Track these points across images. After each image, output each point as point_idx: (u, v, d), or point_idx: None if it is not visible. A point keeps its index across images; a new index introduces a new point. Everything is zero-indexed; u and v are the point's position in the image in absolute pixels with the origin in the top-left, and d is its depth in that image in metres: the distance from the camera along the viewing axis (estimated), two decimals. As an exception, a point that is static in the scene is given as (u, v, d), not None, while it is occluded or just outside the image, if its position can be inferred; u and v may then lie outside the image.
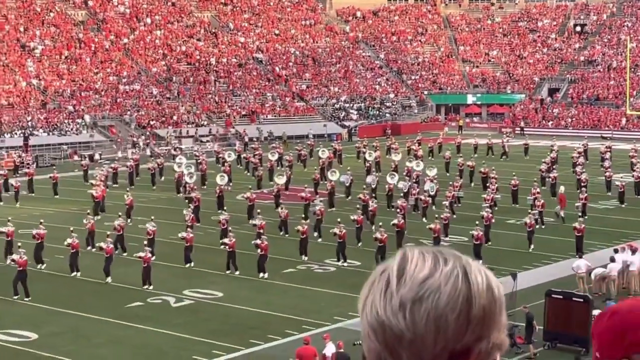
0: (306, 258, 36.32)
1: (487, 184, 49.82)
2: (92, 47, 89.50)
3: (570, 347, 25.58)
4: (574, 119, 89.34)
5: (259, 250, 33.69)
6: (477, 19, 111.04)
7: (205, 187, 52.86)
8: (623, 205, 48.04)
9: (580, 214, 42.15)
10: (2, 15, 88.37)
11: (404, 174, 52.92)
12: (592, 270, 31.59)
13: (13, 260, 32.17)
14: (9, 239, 35.85)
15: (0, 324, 28.32)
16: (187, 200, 46.59)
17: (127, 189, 50.24)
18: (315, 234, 39.64)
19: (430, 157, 64.29)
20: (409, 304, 1.83)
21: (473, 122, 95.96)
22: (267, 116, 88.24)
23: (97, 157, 68.05)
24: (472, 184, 53.57)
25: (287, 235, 39.87)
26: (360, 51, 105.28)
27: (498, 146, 69.25)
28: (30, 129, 74.39)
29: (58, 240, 35.16)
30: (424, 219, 42.85)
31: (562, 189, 46.22)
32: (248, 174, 59.07)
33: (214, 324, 28.33)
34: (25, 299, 30.74)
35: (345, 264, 35.50)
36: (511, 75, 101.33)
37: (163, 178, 56.88)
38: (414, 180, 50.96)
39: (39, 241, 35.04)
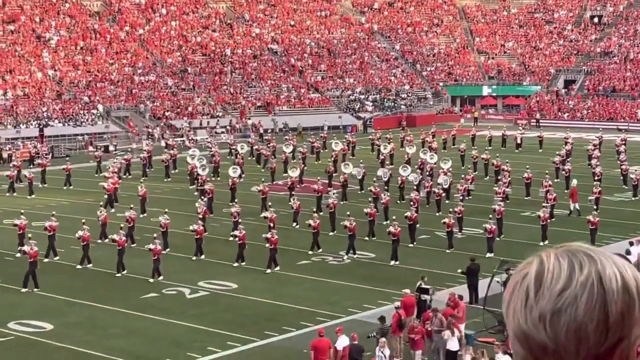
0: (320, 250, 36.26)
1: (499, 177, 49.71)
2: (107, 38, 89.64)
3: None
4: (589, 110, 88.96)
5: (268, 244, 33.71)
6: (493, 10, 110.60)
7: (217, 178, 52.92)
8: (638, 198, 47.85)
9: (594, 206, 42.02)
10: (18, 5, 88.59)
11: (418, 166, 52.76)
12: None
13: (24, 251, 32.23)
14: (21, 231, 35.88)
15: (16, 315, 28.46)
16: (200, 192, 46.61)
17: (141, 180, 50.28)
18: (324, 232, 39.46)
19: (443, 150, 64.07)
20: (548, 315, 1.88)
21: (488, 114, 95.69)
22: (281, 108, 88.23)
23: (111, 148, 68.16)
24: (487, 177, 53.37)
25: (297, 226, 39.77)
26: (375, 42, 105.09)
27: (513, 138, 69.07)
28: (46, 120, 74.60)
29: (72, 232, 35.25)
30: (437, 212, 42.76)
31: (574, 182, 46.04)
32: (260, 167, 58.88)
33: (228, 316, 28.38)
34: (35, 290, 30.80)
35: (354, 256, 35.37)
36: (527, 66, 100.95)
37: (177, 170, 56.96)
38: (428, 173, 50.84)
39: (51, 233, 35.11)
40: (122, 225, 35.73)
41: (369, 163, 54.71)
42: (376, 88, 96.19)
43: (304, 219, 38.76)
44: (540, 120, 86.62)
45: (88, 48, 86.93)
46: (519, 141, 68.07)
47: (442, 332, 23.35)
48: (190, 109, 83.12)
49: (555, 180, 50.08)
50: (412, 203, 40.52)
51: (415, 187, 45.83)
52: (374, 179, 47.86)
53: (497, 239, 36.78)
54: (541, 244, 37.40)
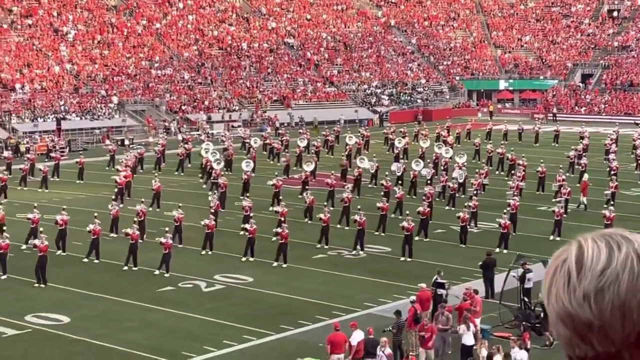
0: (326, 246, 36.13)
1: (513, 171, 49.60)
2: (124, 32, 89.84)
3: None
4: (607, 105, 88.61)
5: (278, 239, 33.62)
6: (509, 4, 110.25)
7: (229, 172, 53.03)
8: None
9: (610, 201, 41.87)
10: (36, 0, 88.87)
11: (433, 160, 52.63)
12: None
13: (34, 245, 32.30)
14: (34, 225, 35.96)
15: (33, 308, 28.60)
16: (213, 186, 46.66)
17: (155, 174, 50.31)
18: (339, 226, 39.40)
19: (457, 144, 63.85)
20: (592, 294, 1.95)
21: (505, 108, 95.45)
22: (297, 102, 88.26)
23: (126, 142, 68.26)
24: (504, 172, 53.22)
25: (310, 222, 39.73)
26: (392, 36, 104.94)
27: (528, 132, 68.92)
28: (63, 113, 74.86)
29: (85, 226, 35.22)
30: (451, 207, 42.66)
31: (585, 176, 45.91)
32: (271, 161, 58.87)
33: (244, 309, 28.42)
34: (42, 285, 30.85)
35: (361, 253, 35.29)
36: (544, 60, 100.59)
37: (190, 165, 57.07)
38: (443, 168, 50.76)
39: (62, 227, 35.16)
40: (134, 219, 35.80)
41: (383, 157, 54.61)
42: (392, 82, 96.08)
43: (317, 214, 38.74)
44: (557, 115, 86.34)
45: (105, 42, 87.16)
46: (538, 135, 67.88)
47: (448, 330, 23.28)
48: (206, 102, 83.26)
49: (570, 175, 49.96)
50: (424, 198, 40.44)
51: (428, 182, 45.74)
52: (386, 173, 47.78)
53: (512, 234, 36.65)
54: (550, 237, 37.27)
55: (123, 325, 27.05)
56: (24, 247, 34.86)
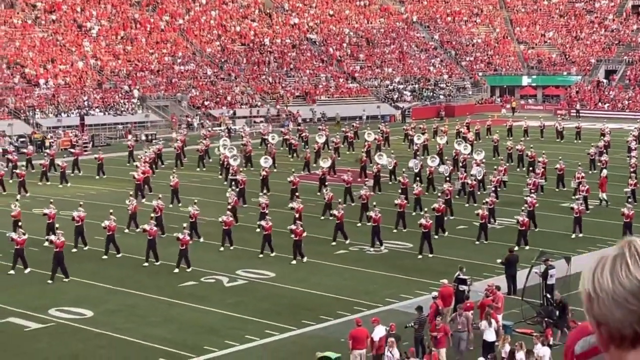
0: (346, 241, 36.09)
1: (531, 168, 49.39)
2: (147, 28, 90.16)
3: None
4: (631, 101, 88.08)
5: (292, 236, 33.62)
6: (533, 0, 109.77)
7: (251, 167, 53.15)
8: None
9: (629, 199, 41.63)
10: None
11: (452, 157, 52.49)
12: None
13: (50, 241, 32.42)
14: (51, 221, 36.07)
15: (56, 302, 28.79)
16: (231, 183, 46.72)
17: (173, 170, 50.38)
18: (359, 224, 39.38)
19: (477, 140, 63.55)
20: None
21: (528, 104, 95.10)
22: (320, 97, 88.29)
23: (142, 137, 68.36)
24: (524, 168, 52.94)
25: (329, 218, 39.64)
26: (414, 32, 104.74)
27: (550, 129, 68.64)
28: (87, 109, 75.23)
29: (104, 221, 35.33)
30: (470, 204, 42.55)
31: (604, 172, 45.68)
32: (291, 158, 58.88)
33: (266, 304, 28.50)
34: (49, 281, 30.95)
35: (382, 248, 35.21)
36: (567, 56, 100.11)
37: (211, 160, 57.21)
38: (461, 164, 50.60)
39: (79, 223, 35.23)
40: (151, 215, 35.89)
41: (402, 153, 54.51)
42: (415, 78, 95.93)
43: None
44: (581, 111, 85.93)
45: (128, 37, 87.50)
46: (559, 131, 67.58)
47: (466, 331, 23.20)
48: (229, 98, 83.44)
49: (591, 172, 49.73)
50: (440, 194, 40.26)
51: (447, 179, 45.61)
52: (403, 169, 47.65)
53: (534, 229, 36.49)
54: (572, 235, 37.13)
55: (146, 319, 27.19)
56: (46, 243, 35.06)
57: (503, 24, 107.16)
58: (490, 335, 22.93)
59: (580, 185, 42.40)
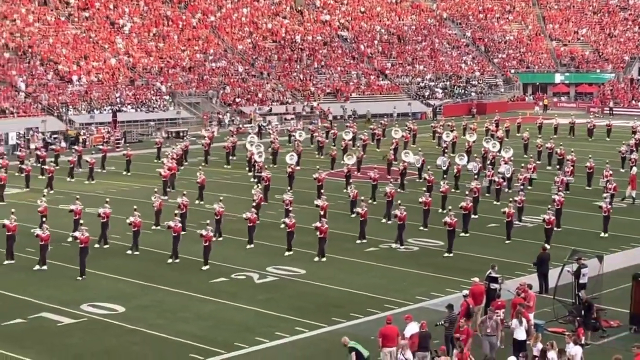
0: (365, 241, 36.04)
1: (560, 166, 49.06)
2: (179, 25, 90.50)
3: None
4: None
5: (317, 233, 33.54)
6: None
7: (273, 165, 53.27)
8: None
9: None
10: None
11: (482, 154, 52.28)
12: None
13: (75, 237, 32.57)
14: (77, 217, 36.20)
15: (88, 297, 28.96)
16: (256, 180, 46.78)
17: (200, 167, 50.49)
18: (384, 220, 39.21)
19: (507, 138, 63.18)
20: None
21: (561, 102, 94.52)
22: (350, 94, 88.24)
23: (164, 134, 68.47)
24: (556, 166, 52.59)
25: (352, 215, 39.58)
26: (446, 29, 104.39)
27: (581, 127, 68.16)
28: (119, 105, 75.65)
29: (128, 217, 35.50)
30: (502, 202, 42.32)
31: (634, 170, 45.34)
32: (320, 156, 58.81)
33: (296, 301, 28.52)
34: (78, 278, 31.12)
35: (401, 248, 35.08)
36: (601, 54, 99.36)
37: (235, 157, 57.31)
38: (490, 162, 50.35)
39: (105, 220, 35.34)
40: (175, 212, 35.98)
41: (430, 151, 54.33)
42: (446, 75, 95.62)
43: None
44: (614, 109, 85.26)
45: (160, 35, 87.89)
46: (592, 130, 67.13)
47: (493, 337, 23.00)
48: (260, 95, 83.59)
49: (622, 170, 49.34)
50: (468, 192, 40.04)
51: (475, 177, 45.40)
52: (428, 167, 47.47)
53: (556, 229, 36.14)
54: (602, 234, 36.86)
55: (177, 315, 27.29)
56: (70, 239, 35.23)
57: (535, 21, 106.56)
58: (520, 334, 22.80)
59: (608, 184, 42.14)
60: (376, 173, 44.94)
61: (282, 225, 36.18)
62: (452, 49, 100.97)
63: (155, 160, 56.23)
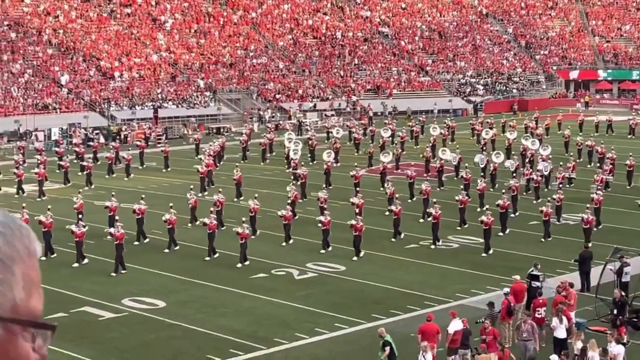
0: (402, 237, 35.87)
1: (600, 164, 48.51)
2: (220, 21, 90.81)
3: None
4: None
5: (353, 231, 33.38)
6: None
7: (310, 162, 53.29)
8: None
9: None
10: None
11: (520, 152, 51.86)
12: None
13: (110, 233, 32.74)
14: (112, 213, 36.41)
15: (129, 292, 29.19)
16: (292, 177, 46.77)
17: (237, 164, 50.48)
18: (422, 220, 39.02)
19: (546, 136, 62.57)
20: None
21: (603, 99, 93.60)
22: (391, 91, 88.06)
23: (187, 132, 68.62)
24: (597, 165, 51.92)
25: (386, 213, 39.34)
26: (488, 25, 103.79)
27: (623, 124, 67.45)
28: (160, 101, 76.08)
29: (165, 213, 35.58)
30: (542, 199, 41.98)
31: None
32: (357, 153, 58.63)
33: (336, 297, 28.53)
34: (113, 274, 31.30)
35: (433, 247, 34.86)
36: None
37: (273, 154, 57.37)
38: (528, 160, 49.86)
39: (140, 216, 35.42)
40: (211, 209, 36.04)
41: (473, 148, 54.02)
42: (488, 71, 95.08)
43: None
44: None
45: (202, 31, 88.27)
46: (633, 127, 66.44)
47: (529, 341, 22.73)
48: (300, 91, 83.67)
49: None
50: (506, 190, 39.68)
51: (513, 174, 45.04)
52: (466, 164, 47.13)
53: (595, 229, 35.70)
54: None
55: (217, 310, 27.42)
56: (109, 237, 35.46)
57: (578, 17, 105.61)
58: (561, 333, 22.64)
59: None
60: (413, 171, 44.77)
61: (319, 224, 36.16)
62: (494, 45, 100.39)
63: (196, 157, 56.49)
